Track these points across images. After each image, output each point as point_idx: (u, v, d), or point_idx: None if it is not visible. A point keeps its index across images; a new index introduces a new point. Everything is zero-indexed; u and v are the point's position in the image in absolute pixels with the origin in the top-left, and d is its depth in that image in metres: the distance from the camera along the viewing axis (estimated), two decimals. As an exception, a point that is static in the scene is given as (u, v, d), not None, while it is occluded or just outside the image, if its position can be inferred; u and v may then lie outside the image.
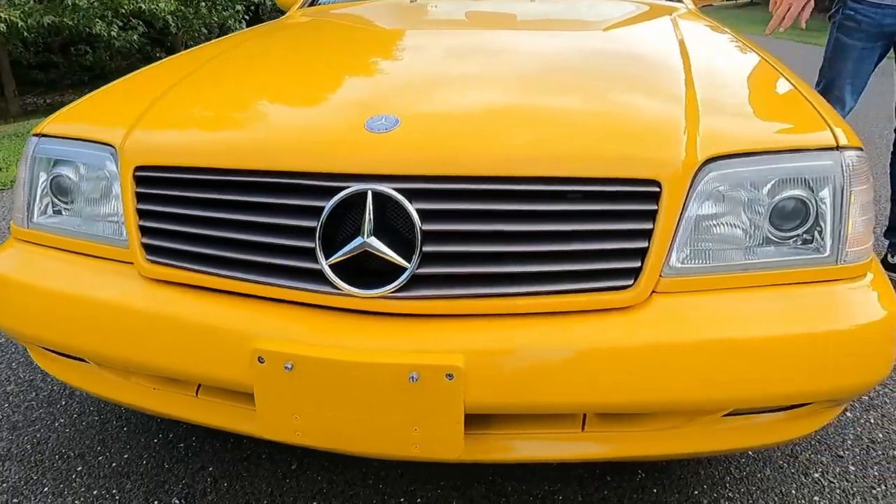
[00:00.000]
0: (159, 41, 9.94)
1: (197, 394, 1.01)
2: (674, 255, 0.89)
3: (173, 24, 8.73)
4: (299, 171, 0.90)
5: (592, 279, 0.87)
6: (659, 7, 1.82)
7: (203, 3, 9.06)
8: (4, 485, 1.25)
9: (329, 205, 0.87)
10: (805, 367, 0.86)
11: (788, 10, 1.74)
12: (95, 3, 7.25)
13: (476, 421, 0.89)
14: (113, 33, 8.02)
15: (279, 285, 0.90)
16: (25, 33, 7.10)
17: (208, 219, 0.94)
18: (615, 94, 1.04)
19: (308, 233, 0.89)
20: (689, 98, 1.01)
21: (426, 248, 0.86)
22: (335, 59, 1.29)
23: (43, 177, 1.10)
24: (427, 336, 0.85)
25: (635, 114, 0.97)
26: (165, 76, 1.25)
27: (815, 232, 0.93)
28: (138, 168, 0.98)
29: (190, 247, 0.95)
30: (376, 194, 0.87)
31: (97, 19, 7.51)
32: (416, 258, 0.86)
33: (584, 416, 0.94)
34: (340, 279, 0.87)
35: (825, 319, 0.88)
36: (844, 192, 0.93)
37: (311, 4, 2.27)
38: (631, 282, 0.87)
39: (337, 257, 0.87)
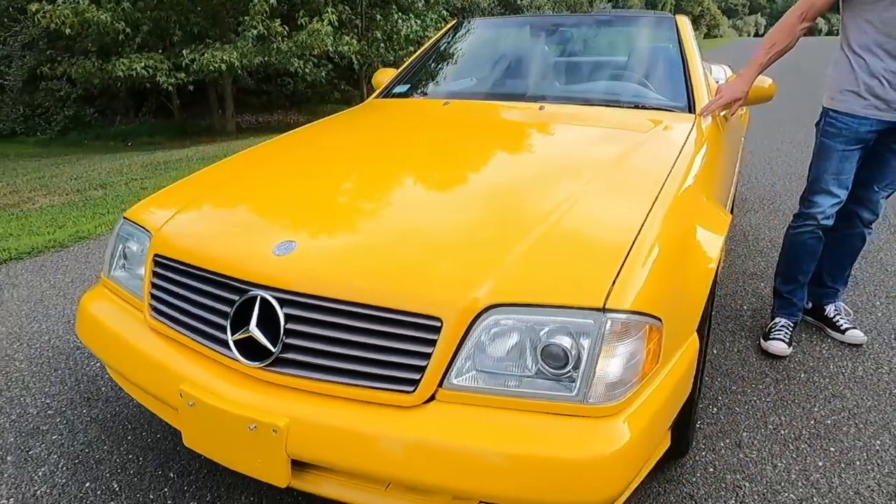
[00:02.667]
0: (346, 75, 11.48)
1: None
2: (453, 374, 1.19)
3: (356, 62, 10.05)
4: (228, 274, 1.37)
5: (386, 381, 1.21)
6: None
7: (382, 45, 10.26)
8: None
9: (238, 301, 1.33)
10: (526, 481, 1.11)
11: (719, 100, 2.24)
12: (293, 47, 8.66)
13: (306, 463, 1.27)
14: (307, 70, 9.47)
15: (207, 346, 1.37)
16: (240, 71, 8.74)
17: (179, 294, 1.46)
18: (449, 240, 1.34)
19: (225, 316, 1.35)
20: (507, 248, 1.29)
21: (286, 340, 1.28)
22: (295, 180, 1.75)
23: (119, 245, 1.71)
24: (271, 400, 1.26)
25: (445, 260, 1.27)
26: (207, 181, 1.82)
27: (573, 374, 1.16)
28: (156, 254, 1.54)
29: (169, 310, 1.47)
30: (263, 299, 1.30)
31: (294, 59, 8.95)
32: (279, 346, 1.28)
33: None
34: (238, 350, 1.32)
35: (552, 447, 1.11)
36: (597, 346, 1.15)
37: (387, 95, 2.80)
38: (412, 389, 1.19)
39: (235, 336, 1.32)
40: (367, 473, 1.19)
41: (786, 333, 2.38)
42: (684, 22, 2.64)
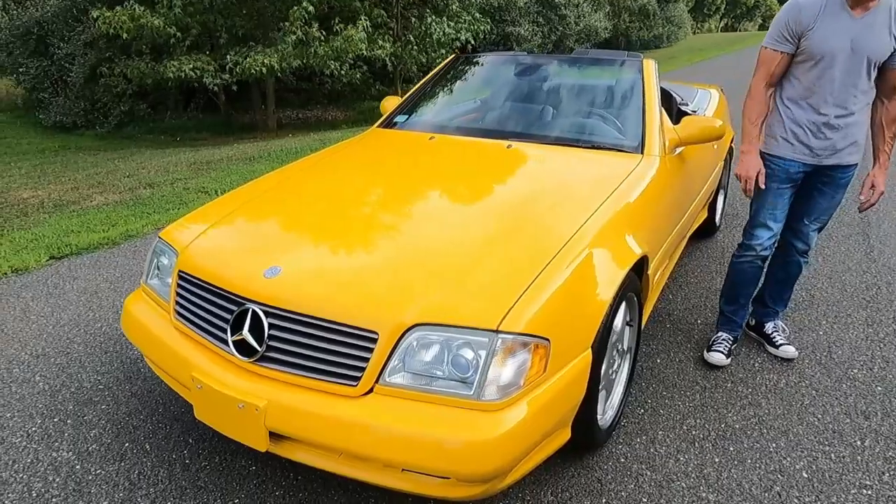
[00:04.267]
0: (381, 74, 11.97)
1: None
2: (387, 374, 1.61)
3: (390, 64, 10.51)
4: (229, 290, 1.82)
5: (337, 377, 1.63)
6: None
7: (414, 47, 10.67)
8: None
9: (236, 311, 1.78)
10: (433, 455, 1.51)
11: (746, 182, 2.49)
12: (329, 51, 9.16)
13: (281, 435, 1.71)
14: (342, 72, 9.97)
15: (213, 343, 1.83)
16: (279, 74, 9.30)
17: (195, 302, 1.91)
18: (391, 269, 1.75)
19: (226, 321, 1.80)
20: (435, 277, 1.69)
21: (269, 343, 1.71)
22: (288, 209, 2.19)
23: (154, 259, 2.18)
24: (256, 386, 1.70)
25: (385, 286, 1.68)
26: (225, 207, 2.28)
27: (473, 378, 1.56)
28: (180, 270, 2.00)
29: (188, 314, 1.93)
30: (254, 310, 1.74)
31: (330, 62, 9.45)
32: (264, 347, 1.71)
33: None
34: (235, 348, 1.76)
35: (455, 431, 1.51)
36: (490, 359, 1.54)
37: (388, 125, 3.22)
38: (355, 383, 1.61)
39: (233, 338, 1.77)
40: (323, 445, 1.62)
41: (726, 346, 2.71)
42: (650, 65, 2.96)
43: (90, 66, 11.61)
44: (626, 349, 2.30)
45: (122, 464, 2.11)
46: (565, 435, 1.82)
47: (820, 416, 2.35)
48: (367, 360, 1.61)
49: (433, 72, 3.52)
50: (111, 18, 8.92)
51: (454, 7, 11.64)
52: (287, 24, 9.14)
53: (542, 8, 16.47)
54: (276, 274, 1.79)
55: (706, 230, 4.07)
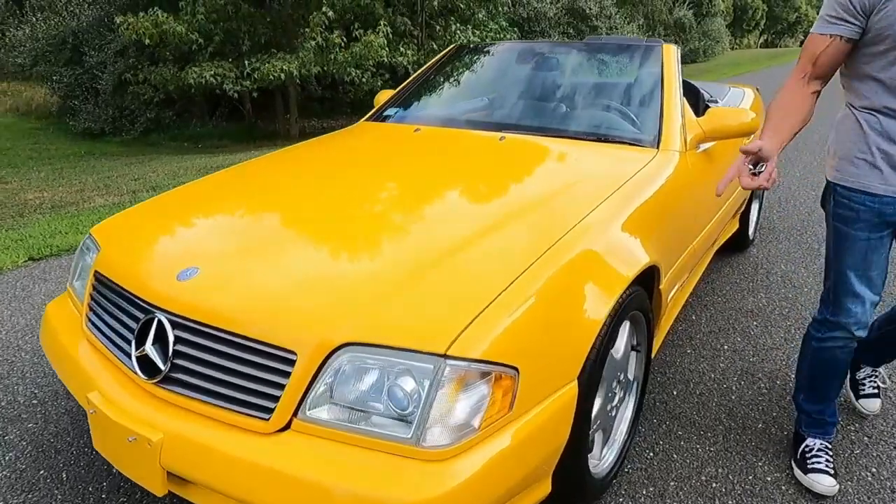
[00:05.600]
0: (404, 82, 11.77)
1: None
2: (308, 406, 1.26)
3: (412, 72, 10.27)
4: (137, 294, 1.50)
5: (246, 406, 1.29)
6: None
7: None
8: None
9: (143, 319, 1.46)
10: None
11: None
12: (349, 57, 8.98)
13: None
14: (363, 79, 9.77)
15: (119, 358, 1.51)
16: (297, 80, 9.15)
17: (106, 308, 1.60)
18: (324, 277, 1.41)
19: (133, 332, 1.48)
20: (377, 287, 1.34)
21: (175, 360, 1.39)
22: (236, 205, 1.87)
23: (80, 258, 1.89)
24: (155, 414, 1.37)
25: (311, 297, 1.34)
26: (164, 203, 1.98)
27: (414, 416, 1.20)
28: (96, 270, 1.70)
29: (98, 322, 1.62)
30: (160, 320, 1.42)
31: (350, 68, 9.27)
32: (168, 365, 1.39)
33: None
34: (138, 365, 1.44)
35: (386, 488, 1.15)
36: (434, 391, 1.18)
37: (378, 117, 2.90)
38: (268, 417, 1.27)
39: (136, 353, 1.44)
40: (225, 493, 1.28)
41: (827, 461, 1.85)
42: (671, 51, 2.58)
43: (119, 74, 11.74)
44: (631, 379, 1.90)
45: (30, 496, 1.80)
46: (544, 489, 1.44)
47: (875, 469, 1.91)
48: (282, 386, 1.27)
49: (431, 62, 3.20)
50: (135, 24, 8.92)
51: (480, 16, 11.38)
52: (307, 30, 9.00)
53: (572, 19, 16.13)
54: (191, 277, 1.46)
55: (737, 243, 3.63)
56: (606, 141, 2.25)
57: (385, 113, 2.90)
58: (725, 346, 2.66)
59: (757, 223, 4.00)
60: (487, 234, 1.56)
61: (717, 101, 3.33)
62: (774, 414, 2.19)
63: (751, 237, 3.82)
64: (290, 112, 11.33)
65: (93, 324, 1.64)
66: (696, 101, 3.08)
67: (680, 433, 2.08)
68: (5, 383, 2.38)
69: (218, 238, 1.68)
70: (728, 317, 2.94)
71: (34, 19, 15.07)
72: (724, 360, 2.54)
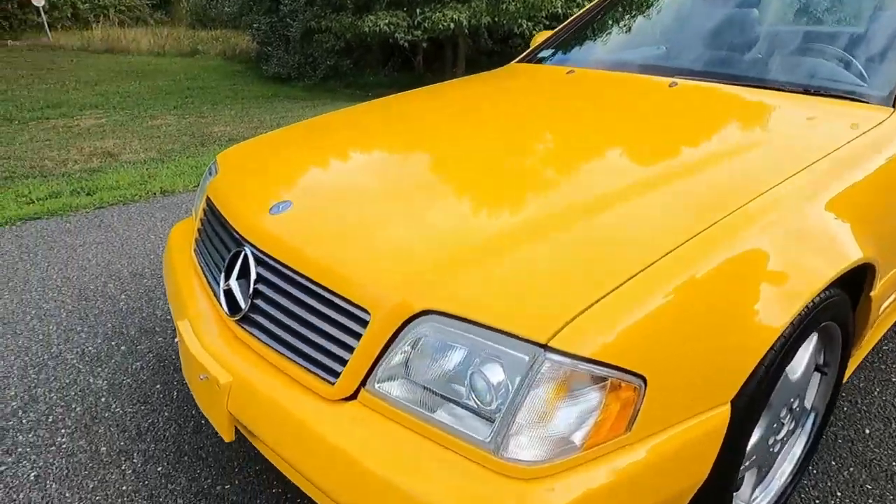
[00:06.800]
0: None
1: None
2: (378, 377, 1.05)
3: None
4: (232, 223, 1.40)
5: (315, 365, 1.12)
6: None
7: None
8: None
9: (232, 252, 1.35)
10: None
11: None
12: (521, 7, 8.54)
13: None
14: (535, 32, 9.28)
15: (213, 290, 1.43)
16: (467, 30, 8.94)
17: (210, 236, 1.53)
18: (422, 232, 1.17)
19: (224, 263, 1.39)
20: (479, 250, 1.08)
21: (254, 300, 1.26)
22: (353, 141, 1.69)
23: (204, 182, 1.87)
24: (230, 355, 1.26)
25: (399, 252, 1.11)
26: (288, 135, 1.88)
27: (497, 414, 0.93)
28: (207, 196, 1.64)
29: (202, 249, 1.56)
30: (246, 255, 1.30)
31: (522, 20, 8.84)
32: (247, 304, 1.27)
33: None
34: (226, 299, 1.35)
35: (445, 498, 0.91)
36: (525, 389, 0.90)
37: (532, 60, 2.58)
38: (334, 380, 1.08)
39: (223, 286, 1.35)
40: (277, 453, 1.13)
41: None
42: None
43: (306, 22, 12.47)
44: (808, 408, 1.46)
45: (143, 407, 1.87)
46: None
47: None
48: (351, 349, 1.07)
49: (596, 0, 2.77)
50: (321, -29, 9.27)
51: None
52: (482, -23, 8.69)
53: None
54: (282, 211, 1.32)
55: None
56: (817, 94, 1.71)
57: (539, 55, 2.56)
58: (951, 382, 2.01)
59: None
60: (631, 200, 1.21)
61: None
62: None
63: None
64: (458, 65, 11.21)
65: (198, 250, 1.60)
66: None
67: (868, 486, 1.58)
68: (151, 296, 2.53)
69: (326, 174, 1.52)
70: (959, 343, 2.23)
71: (245, -29, 16.54)
72: (947, 400, 1.92)
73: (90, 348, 2.17)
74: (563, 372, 0.90)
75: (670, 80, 1.88)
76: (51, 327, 2.29)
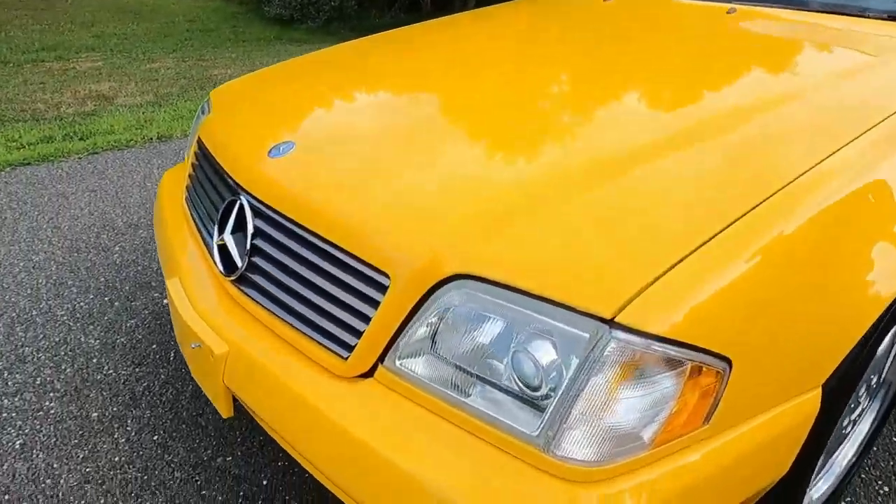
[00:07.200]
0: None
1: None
2: (399, 352, 0.88)
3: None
4: (226, 169, 1.21)
5: (325, 336, 0.95)
6: None
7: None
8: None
9: (226, 201, 1.17)
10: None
11: None
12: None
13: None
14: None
15: (206, 245, 1.25)
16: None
17: (202, 184, 1.34)
18: (453, 182, 0.98)
19: (215, 217, 1.20)
20: (522, 205, 0.89)
21: (252, 258, 1.08)
22: (359, 75, 1.48)
23: (195, 123, 1.66)
24: (226, 320, 1.09)
25: (426, 205, 0.92)
26: (288, 70, 1.66)
27: (547, 402, 0.77)
28: (199, 137, 1.44)
29: (194, 198, 1.37)
30: (241, 204, 1.12)
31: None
32: (244, 262, 1.09)
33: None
34: (220, 257, 1.17)
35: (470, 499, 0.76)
36: (585, 373, 0.73)
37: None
38: (347, 354, 0.92)
39: (217, 240, 1.17)
40: (279, 434, 0.98)
41: None
42: None
43: (309, -41, 11.87)
44: (881, 382, 1.29)
45: (137, 369, 1.72)
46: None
47: None
48: (368, 319, 0.90)
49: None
50: None
51: None
52: None
53: None
54: (283, 154, 1.12)
55: None
56: (904, 22, 1.47)
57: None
58: None
59: None
60: (706, 142, 1.01)
61: None
62: None
63: None
64: (468, 5, 10.69)
65: (190, 199, 1.41)
66: None
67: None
68: (147, 248, 2.37)
69: (334, 112, 1.32)
70: None
71: None
72: None
73: (82, 304, 2.01)
74: (632, 354, 0.72)
75: (729, 5, 1.63)
76: (40, 281, 2.14)
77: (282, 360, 0.99)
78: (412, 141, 1.12)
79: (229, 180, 1.19)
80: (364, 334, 0.90)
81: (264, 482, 1.40)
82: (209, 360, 1.07)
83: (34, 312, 1.96)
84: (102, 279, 2.15)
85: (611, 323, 0.73)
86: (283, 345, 1.02)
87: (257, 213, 1.09)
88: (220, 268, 1.15)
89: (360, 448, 0.85)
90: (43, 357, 1.77)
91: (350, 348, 0.92)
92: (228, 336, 1.07)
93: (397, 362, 0.89)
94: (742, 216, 0.84)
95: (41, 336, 1.85)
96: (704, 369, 0.75)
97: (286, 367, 0.98)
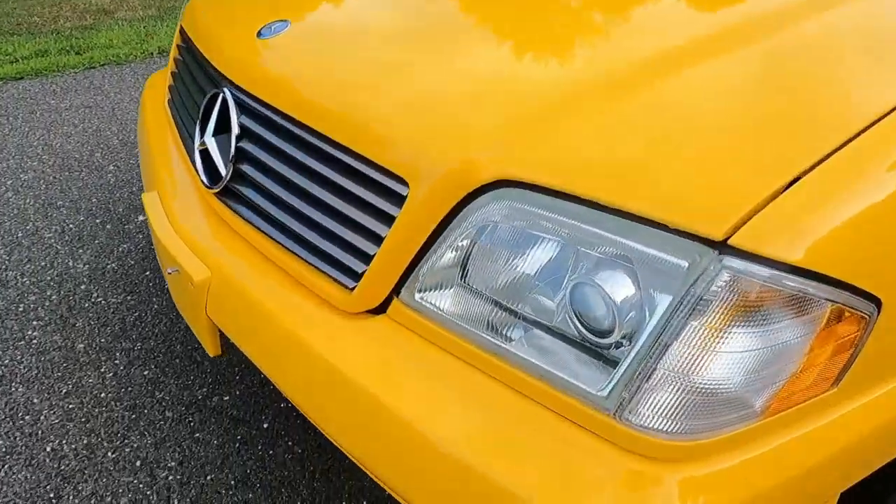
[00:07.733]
0: None
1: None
2: (419, 282, 0.68)
3: None
4: (208, 56, 0.98)
5: (324, 260, 0.75)
6: None
7: None
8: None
9: (207, 95, 0.95)
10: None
11: None
12: None
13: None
14: None
15: (186, 149, 1.05)
16: None
17: (185, 82, 1.12)
18: (491, 73, 0.74)
19: (196, 117, 0.99)
20: (583, 96, 0.66)
21: (237, 164, 0.87)
22: None
23: (181, 16, 1.42)
24: (208, 241, 0.90)
25: (458, 92, 0.70)
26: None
27: (617, 352, 0.56)
28: (181, 27, 1.20)
29: (177, 99, 1.16)
30: (224, 98, 0.90)
31: None
32: (228, 170, 0.88)
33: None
34: (203, 164, 0.96)
35: (522, 479, 0.57)
36: (685, 314, 0.52)
37: None
38: (353, 284, 0.72)
39: (198, 144, 0.96)
40: (272, 379, 0.80)
41: None
42: None
43: None
44: None
45: (128, 297, 1.56)
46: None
47: None
48: (379, 239, 0.69)
49: None
50: None
51: None
52: None
53: None
54: (274, 34, 0.89)
55: None
56: None
57: None
58: None
59: None
60: (799, 41, 0.75)
61: None
62: None
63: None
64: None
65: (172, 100, 1.19)
66: None
67: None
68: (140, 171, 2.17)
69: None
70: None
71: None
72: None
73: (71, 226, 1.84)
74: (749, 289, 0.51)
75: None
76: (27, 201, 1.96)
77: (272, 289, 0.80)
78: (433, 16, 0.88)
79: (210, 68, 0.97)
80: (374, 259, 0.69)
81: (265, 425, 1.25)
82: (189, 288, 0.88)
83: (20, 234, 1.80)
84: (94, 200, 1.97)
85: (722, 246, 0.51)
86: (275, 271, 0.82)
87: (243, 108, 0.87)
88: (203, 177, 0.95)
89: (368, 402, 0.66)
90: (27, 282, 1.61)
91: (357, 276, 0.72)
92: (211, 260, 0.87)
93: (417, 295, 0.69)
94: (873, 124, 0.60)
95: (26, 259, 1.69)
96: (847, 314, 0.53)
97: (278, 298, 0.79)
